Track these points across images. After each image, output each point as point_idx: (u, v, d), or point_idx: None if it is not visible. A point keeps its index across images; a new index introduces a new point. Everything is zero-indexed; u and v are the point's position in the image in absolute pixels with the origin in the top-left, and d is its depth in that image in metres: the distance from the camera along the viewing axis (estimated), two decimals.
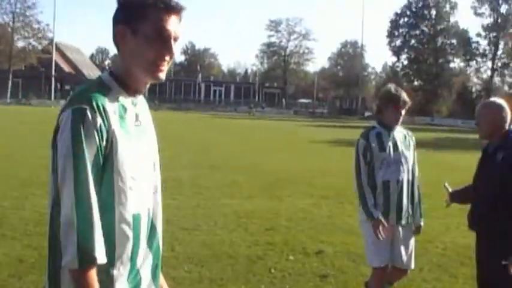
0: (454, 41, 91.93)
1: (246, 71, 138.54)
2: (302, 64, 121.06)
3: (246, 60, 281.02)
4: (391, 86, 4.92)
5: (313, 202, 11.09)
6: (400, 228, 4.87)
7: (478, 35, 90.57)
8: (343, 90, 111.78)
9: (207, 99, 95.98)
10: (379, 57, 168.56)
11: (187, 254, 6.87)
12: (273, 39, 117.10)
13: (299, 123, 55.11)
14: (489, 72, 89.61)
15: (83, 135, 1.91)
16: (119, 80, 2.13)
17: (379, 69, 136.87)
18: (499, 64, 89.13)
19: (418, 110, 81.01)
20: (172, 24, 2.10)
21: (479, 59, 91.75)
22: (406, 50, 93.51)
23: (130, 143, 2.06)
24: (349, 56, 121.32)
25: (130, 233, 2.06)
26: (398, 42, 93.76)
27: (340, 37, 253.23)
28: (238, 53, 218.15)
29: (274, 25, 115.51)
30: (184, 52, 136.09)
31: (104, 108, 1.97)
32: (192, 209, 9.81)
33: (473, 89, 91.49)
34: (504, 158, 4.07)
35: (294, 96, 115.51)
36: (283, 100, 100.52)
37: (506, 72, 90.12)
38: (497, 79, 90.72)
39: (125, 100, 2.12)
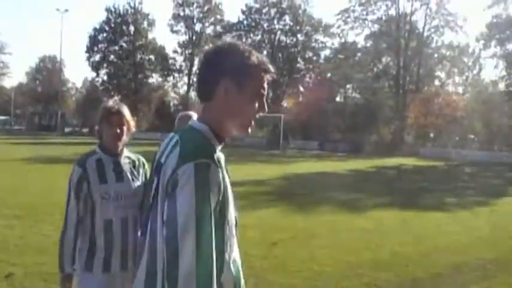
0: (152, 57, 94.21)
1: None
2: None
3: None
4: (109, 101, 4.03)
5: (5, 223, 10.58)
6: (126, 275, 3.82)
7: (175, 51, 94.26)
8: (42, 106, 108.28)
9: None
10: (79, 72, 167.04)
11: None
12: None
13: None
14: (185, 87, 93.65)
15: (206, 190, 1.96)
16: (213, 131, 2.20)
17: (79, 84, 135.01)
18: (195, 79, 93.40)
19: None
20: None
21: (176, 75, 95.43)
22: (105, 65, 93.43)
23: (230, 192, 2.16)
24: (48, 71, 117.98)
25: (233, 280, 2.17)
26: (97, 58, 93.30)
27: (38, 51, 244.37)
28: None
29: None
30: None
31: (219, 161, 2.08)
32: None
33: (171, 103, 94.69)
34: None
35: None
36: None
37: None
38: (193, 93, 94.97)
39: (218, 151, 2.20)
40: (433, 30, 76.55)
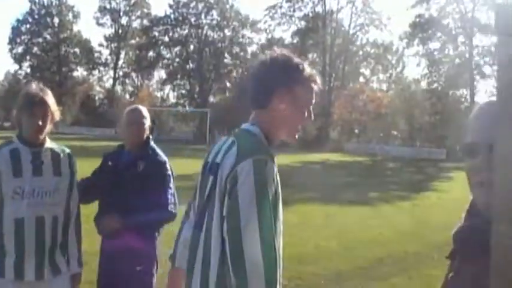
0: (77, 50, 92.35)
1: None
2: None
3: None
4: (32, 85, 3.59)
5: None
6: (43, 285, 3.46)
7: (101, 44, 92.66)
8: None
9: None
10: (0, 65, 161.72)
11: None
12: None
13: None
14: (111, 81, 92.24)
15: (265, 184, 2.08)
16: (265, 135, 2.33)
17: (1, 77, 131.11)
18: (121, 73, 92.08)
19: None
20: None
21: (102, 68, 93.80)
22: (28, 58, 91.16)
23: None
24: None
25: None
26: (20, 50, 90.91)
27: None
28: None
29: None
30: None
31: (273, 159, 2.22)
32: None
33: (97, 97, 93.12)
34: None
35: None
36: None
37: (127, 81, 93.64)
38: (119, 87, 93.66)
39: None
40: (358, 28, 78.03)
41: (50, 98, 3.53)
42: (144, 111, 4.28)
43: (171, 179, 4.20)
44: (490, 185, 1.26)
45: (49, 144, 3.59)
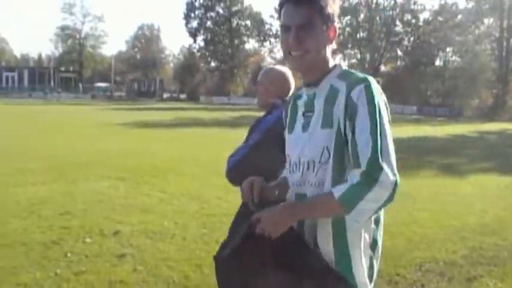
0: (248, 22, 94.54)
1: (40, 56, 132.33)
2: (98, 47, 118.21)
3: (40, 44, 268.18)
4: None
5: (109, 184, 10.97)
6: None
7: (271, 16, 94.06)
8: (141, 73, 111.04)
9: None
10: (176, 39, 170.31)
11: None
12: (67, 22, 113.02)
13: (97, 107, 53.78)
14: (281, 53, 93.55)
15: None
16: None
17: (176, 51, 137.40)
18: None
19: (216, 90, 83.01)
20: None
21: (272, 40, 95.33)
22: (202, 32, 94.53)
23: None
24: (146, 39, 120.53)
25: None
26: (194, 24, 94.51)
27: (136, 20, 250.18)
28: (32, 37, 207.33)
29: (68, 7, 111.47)
30: None
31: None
32: None
33: None
34: None
35: (91, 80, 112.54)
36: (80, 84, 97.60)
37: None
38: None
39: None
40: None
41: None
42: (270, 72, 3.97)
43: None
44: None
45: None
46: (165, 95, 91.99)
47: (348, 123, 2.13)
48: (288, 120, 2.53)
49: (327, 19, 2.26)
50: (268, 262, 2.16)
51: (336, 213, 2.11)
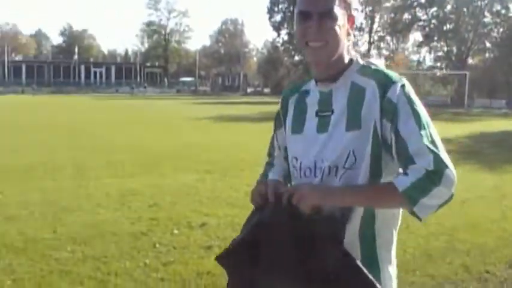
0: None
1: (126, 51, 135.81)
2: (183, 42, 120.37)
3: (127, 40, 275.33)
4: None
5: (197, 177, 11.10)
6: None
7: (355, 9, 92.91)
8: (225, 68, 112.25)
9: (88, 81, 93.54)
10: (260, 34, 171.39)
11: (70, 235, 6.73)
12: (153, 18, 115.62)
13: (182, 101, 54.73)
14: (367, 46, 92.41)
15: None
16: None
17: (260, 45, 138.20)
18: (376, 37, 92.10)
19: None
20: None
21: (356, 33, 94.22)
22: (285, 26, 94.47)
23: None
24: (230, 34, 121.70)
25: None
26: (278, 18, 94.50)
27: (220, 14, 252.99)
28: (118, 33, 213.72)
29: (154, 3, 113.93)
30: (62, 34, 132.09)
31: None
32: (73, 190, 9.60)
33: None
34: None
35: (176, 74, 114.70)
36: (165, 79, 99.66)
37: (382, 45, 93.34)
38: (374, 52, 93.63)
39: None
40: None
41: None
42: None
43: None
44: None
45: None
46: (249, 89, 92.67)
47: (387, 125, 1.95)
48: (289, 118, 2.28)
49: (348, 7, 2.15)
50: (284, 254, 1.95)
51: (397, 206, 2.01)
